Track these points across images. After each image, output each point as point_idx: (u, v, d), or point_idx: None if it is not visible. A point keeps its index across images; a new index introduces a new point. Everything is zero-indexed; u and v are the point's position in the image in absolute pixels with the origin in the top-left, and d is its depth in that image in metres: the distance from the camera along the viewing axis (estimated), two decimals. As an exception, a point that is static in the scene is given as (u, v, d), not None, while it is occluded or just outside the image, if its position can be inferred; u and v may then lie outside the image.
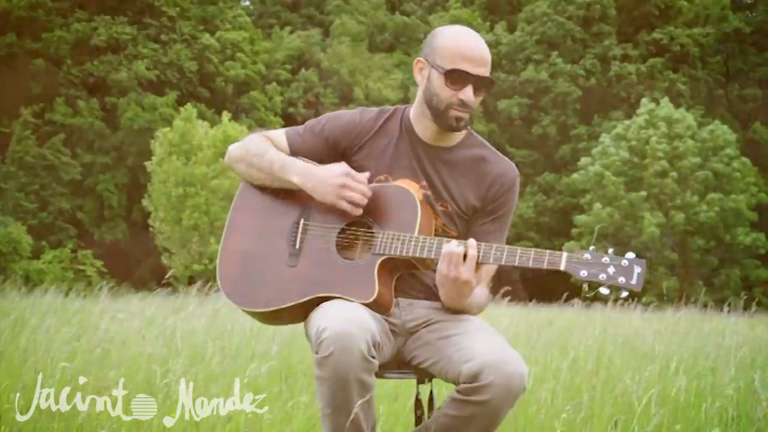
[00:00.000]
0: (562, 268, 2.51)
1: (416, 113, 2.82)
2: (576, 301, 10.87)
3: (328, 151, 2.83)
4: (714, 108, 39.30)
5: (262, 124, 37.53)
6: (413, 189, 2.73)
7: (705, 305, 11.67)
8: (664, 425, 3.99)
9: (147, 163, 28.85)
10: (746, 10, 40.36)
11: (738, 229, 30.63)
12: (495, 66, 39.17)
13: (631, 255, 2.50)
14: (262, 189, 2.83)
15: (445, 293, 2.65)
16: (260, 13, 47.27)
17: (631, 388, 4.03)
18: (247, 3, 47.66)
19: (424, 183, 2.78)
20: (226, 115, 28.76)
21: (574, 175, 32.72)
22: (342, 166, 2.70)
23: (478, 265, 2.57)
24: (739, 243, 30.53)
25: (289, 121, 37.72)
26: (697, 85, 38.72)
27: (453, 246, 2.55)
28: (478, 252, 2.56)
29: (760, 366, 5.72)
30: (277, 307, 2.69)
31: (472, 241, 2.56)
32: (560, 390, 4.59)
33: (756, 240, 30.69)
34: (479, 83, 2.70)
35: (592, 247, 2.54)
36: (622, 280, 2.48)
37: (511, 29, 40.51)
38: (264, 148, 2.80)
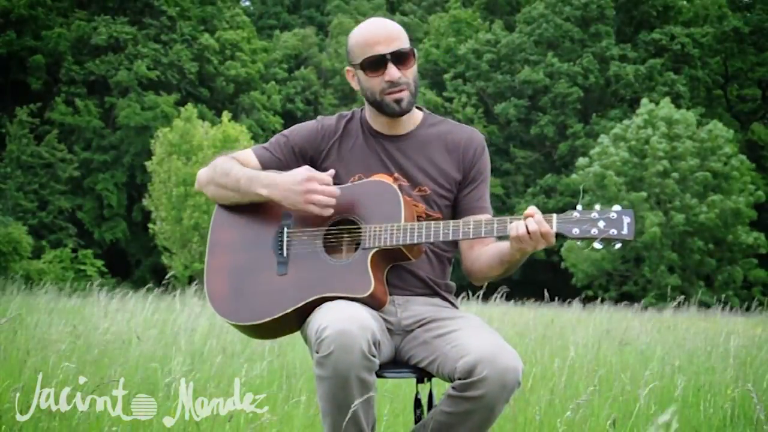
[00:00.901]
0: (554, 229, 2.53)
1: (369, 115, 2.88)
2: (575, 300, 10.90)
3: (297, 162, 2.85)
4: (713, 108, 39.32)
5: (262, 124, 37.54)
6: (389, 181, 2.75)
7: (704, 305, 11.68)
8: (664, 425, 4.00)
9: (147, 163, 28.86)
10: (744, 11, 40.35)
11: (738, 228, 30.63)
12: (493, 67, 39.16)
13: (617, 207, 2.53)
14: (238, 206, 2.84)
15: (520, 255, 2.62)
16: (260, 13, 47.29)
17: (629, 388, 4.03)
18: (247, 3, 47.66)
19: (397, 174, 2.80)
20: (226, 115, 28.76)
21: (573, 176, 32.71)
22: (304, 170, 2.69)
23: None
24: (740, 242, 30.52)
25: (288, 119, 37.71)
26: (697, 85, 38.72)
27: (523, 228, 2.52)
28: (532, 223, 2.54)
29: (759, 366, 5.72)
30: (274, 317, 2.67)
31: (532, 210, 2.54)
32: (559, 389, 4.59)
33: (757, 239, 30.70)
34: (397, 58, 2.73)
35: (579, 206, 2.57)
36: (613, 231, 2.50)
37: (510, 29, 40.51)
38: (229, 167, 2.80)
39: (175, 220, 26.94)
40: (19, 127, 33.79)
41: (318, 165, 2.85)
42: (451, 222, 2.63)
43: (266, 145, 2.90)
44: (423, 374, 2.74)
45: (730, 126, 34.37)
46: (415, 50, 2.81)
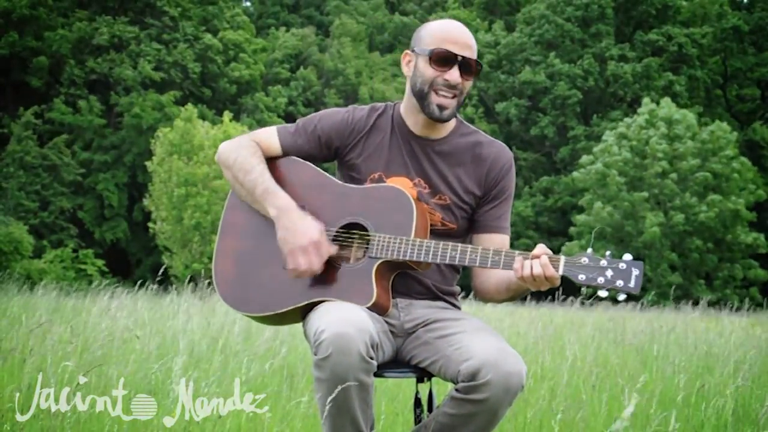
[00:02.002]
0: (560, 272, 2.51)
1: (406, 107, 2.82)
2: (574, 300, 10.88)
3: (321, 150, 2.83)
4: (712, 108, 39.31)
5: (264, 124, 37.56)
6: (406, 188, 2.72)
7: (703, 304, 11.66)
8: (663, 424, 4.00)
9: (147, 163, 28.87)
10: (744, 10, 40.36)
11: (738, 228, 30.62)
12: (494, 67, 39.18)
13: (628, 257, 2.50)
14: None
15: (525, 290, 2.64)
16: (260, 13, 47.29)
17: (628, 387, 4.03)
18: (248, 4, 47.65)
19: (418, 180, 2.77)
20: (227, 115, 28.77)
21: (575, 173, 32.69)
22: (318, 231, 2.63)
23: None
24: (740, 243, 30.50)
25: (290, 120, 37.69)
26: (696, 84, 38.70)
27: (530, 270, 2.51)
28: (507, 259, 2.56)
29: (759, 365, 5.73)
30: (273, 312, 2.70)
31: (542, 256, 2.52)
32: (559, 389, 4.60)
33: (756, 239, 30.68)
34: (465, 65, 2.70)
35: (590, 250, 2.54)
36: (620, 283, 2.48)
37: (510, 30, 40.50)
38: (251, 165, 2.75)
39: (176, 220, 26.95)
40: (22, 128, 33.80)
41: (342, 156, 2.83)
42: (460, 246, 2.62)
43: (292, 128, 2.85)
44: (423, 374, 2.74)
45: (729, 126, 34.34)
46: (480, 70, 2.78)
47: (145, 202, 28.82)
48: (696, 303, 11.70)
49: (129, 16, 36.92)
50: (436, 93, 2.70)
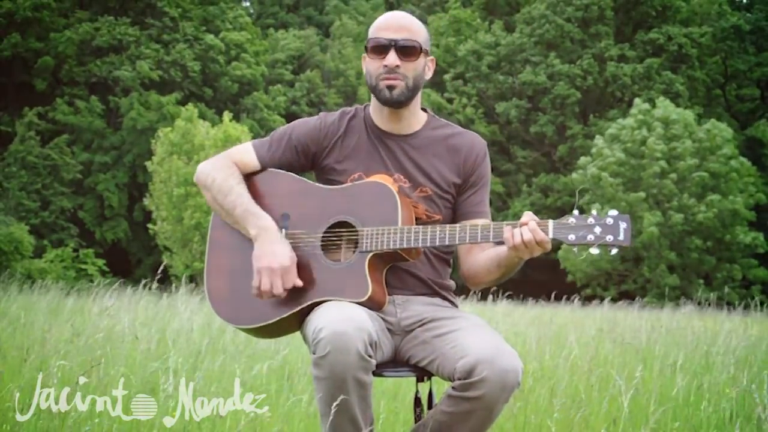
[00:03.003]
0: (550, 235, 2.54)
1: (372, 107, 2.88)
2: (573, 299, 10.90)
3: (299, 159, 2.86)
4: (712, 107, 39.30)
5: (265, 125, 37.54)
6: (388, 182, 2.74)
7: (702, 303, 11.67)
8: (662, 424, 4.01)
9: (147, 163, 28.87)
10: (743, 11, 40.37)
11: (737, 228, 30.58)
12: (493, 68, 39.16)
13: (614, 212, 2.53)
14: None
15: (518, 260, 2.63)
16: (259, 13, 47.29)
17: (627, 387, 4.04)
18: (248, 4, 47.64)
19: (397, 175, 2.80)
20: (227, 115, 28.78)
21: (573, 175, 32.69)
22: (289, 259, 2.64)
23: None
24: (739, 242, 30.46)
25: (291, 120, 37.58)
26: (695, 84, 38.70)
27: (519, 237, 2.53)
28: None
29: (758, 365, 5.73)
30: (271, 321, 2.70)
31: (528, 216, 2.55)
32: (558, 389, 4.60)
33: (755, 239, 30.63)
34: (401, 48, 2.73)
35: (576, 211, 2.56)
36: (609, 237, 2.51)
37: (510, 29, 40.48)
38: (229, 186, 2.78)
39: (176, 219, 26.95)
40: (26, 128, 33.82)
41: (319, 161, 2.85)
42: (448, 226, 2.64)
43: (267, 142, 2.88)
44: (422, 373, 2.74)
45: (729, 126, 34.30)
46: (429, 52, 2.81)
47: (146, 201, 28.82)
48: (698, 303, 11.69)
49: (130, 17, 36.93)
50: (383, 80, 2.75)
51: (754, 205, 31.56)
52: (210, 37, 37.30)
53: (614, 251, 2.54)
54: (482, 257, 2.77)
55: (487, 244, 2.77)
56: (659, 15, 39.33)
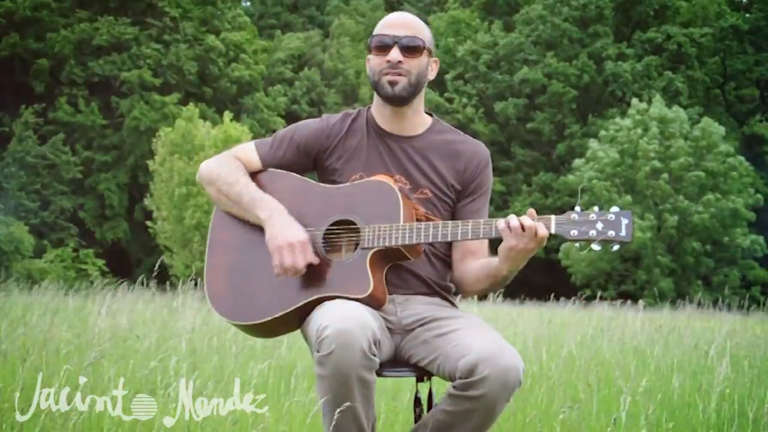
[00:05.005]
0: (552, 231, 2.55)
1: (375, 106, 2.89)
2: (572, 299, 10.90)
3: (301, 159, 2.87)
4: (711, 107, 39.31)
5: (265, 124, 37.54)
6: (390, 181, 2.75)
7: (701, 304, 11.68)
8: (661, 424, 4.01)
9: (149, 163, 28.87)
10: (742, 11, 40.36)
11: (737, 230, 30.45)
12: (492, 68, 39.19)
13: (616, 208, 2.54)
14: None
15: (509, 265, 2.63)
16: (261, 13, 47.27)
17: (626, 387, 4.04)
18: (248, 4, 47.62)
19: (398, 176, 2.80)
20: (227, 115, 28.77)
21: (570, 177, 32.67)
22: (305, 236, 2.67)
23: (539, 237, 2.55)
24: (737, 245, 30.34)
25: (291, 120, 37.66)
26: (695, 84, 38.71)
27: (517, 220, 2.54)
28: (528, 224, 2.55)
29: (758, 365, 5.74)
30: (273, 317, 2.70)
31: (531, 212, 2.57)
32: (557, 389, 4.61)
33: (754, 242, 30.47)
34: (404, 45, 2.75)
35: (577, 207, 2.58)
36: (611, 233, 2.52)
37: (509, 29, 40.50)
38: (235, 178, 2.81)
39: (177, 219, 26.95)
40: (23, 128, 33.82)
41: (322, 162, 2.86)
42: (450, 222, 2.65)
43: (269, 142, 2.90)
44: (423, 373, 2.74)
45: (728, 126, 34.25)
46: (432, 52, 2.83)
47: (146, 201, 28.82)
48: (697, 304, 11.70)
49: (130, 17, 36.92)
50: (385, 75, 2.76)
51: (753, 207, 31.41)
52: (211, 38, 37.30)
53: (616, 247, 2.55)
54: (474, 266, 2.78)
55: (481, 254, 2.80)
56: (657, 15, 39.34)
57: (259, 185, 2.83)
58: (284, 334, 2.87)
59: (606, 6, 38.30)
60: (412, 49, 2.76)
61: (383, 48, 2.76)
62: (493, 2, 42.84)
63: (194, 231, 26.61)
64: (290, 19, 47.29)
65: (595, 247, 2.54)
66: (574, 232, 2.54)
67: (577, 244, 2.57)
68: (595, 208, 2.55)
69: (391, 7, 47.25)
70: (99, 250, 33.37)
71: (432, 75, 2.86)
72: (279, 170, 2.85)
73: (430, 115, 2.91)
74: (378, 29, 2.80)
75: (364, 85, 41.01)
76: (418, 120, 2.86)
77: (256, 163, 2.87)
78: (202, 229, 26.35)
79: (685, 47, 37.99)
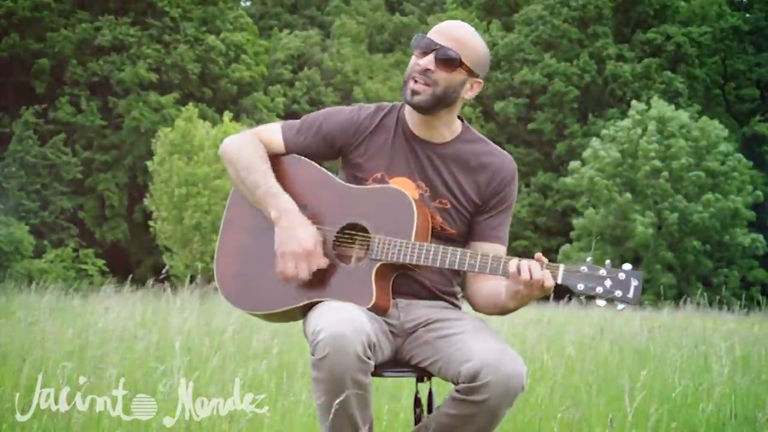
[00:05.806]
0: (559, 281, 2.52)
1: (408, 112, 2.83)
2: (572, 299, 10.91)
3: (324, 149, 2.83)
4: (711, 107, 39.30)
5: (264, 124, 37.50)
6: (409, 189, 2.72)
7: (701, 304, 11.67)
8: (661, 424, 4.01)
9: (148, 163, 28.86)
10: (743, 11, 40.36)
11: (737, 230, 30.43)
12: (491, 68, 39.19)
13: (628, 266, 2.50)
14: None
15: (515, 304, 2.62)
16: (261, 14, 47.26)
17: (626, 387, 4.04)
18: (248, 4, 47.61)
19: (420, 182, 2.77)
20: (227, 115, 28.76)
21: (567, 179, 32.62)
22: (314, 241, 2.65)
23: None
24: (738, 244, 30.31)
25: (291, 119, 37.57)
26: (695, 84, 38.70)
27: (527, 270, 2.50)
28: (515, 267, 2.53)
29: (758, 365, 5.74)
30: (273, 311, 2.72)
31: (540, 256, 2.53)
32: (557, 389, 4.61)
33: (755, 241, 30.46)
34: (441, 56, 2.66)
35: (589, 258, 2.55)
36: (618, 293, 2.49)
37: (508, 29, 40.50)
38: (255, 165, 2.76)
39: (176, 219, 26.95)
40: (23, 128, 33.83)
41: (346, 155, 2.83)
42: (459, 251, 2.61)
43: (296, 126, 2.85)
44: (423, 373, 2.74)
45: (728, 126, 34.21)
46: (475, 73, 2.73)
47: (146, 201, 28.81)
48: (697, 304, 11.69)
49: (130, 17, 36.92)
50: (413, 80, 2.70)
51: (753, 205, 31.37)
52: (212, 38, 37.30)
53: (620, 307, 2.51)
54: (484, 289, 2.74)
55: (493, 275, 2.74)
56: (657, 15, 39.32)
57: (281, 170, 2.80)
58: (288, 321, 2.87)
59: (605, 6, 38.29)
60: (446, 62, 2.67)
61: (422, 50, 2.70)
62: (493, 3, 42.83)
63: (194, 231, 26.61)
64: (291, 19, 47.29)
65: (600, 303, 2.51)
66: (581, 286, 2.51)
67: (582, 297, 2.55)
68: (607, 263, 2.51)
69: (391, 8, 47.28)
70: (99, 250, 33.37)
71: (469, 95, 2.76)
72: (302, 158, 2.82)
73: (461, 120, 2.85)
74: (430, 32, 2.74)
75: (361, 84, 41.00)
76: (447, 128, 2.79)
77: (279, 146, 2.83)
78: (202, 229, 26.36)
79: (684, 47, 37.98)
